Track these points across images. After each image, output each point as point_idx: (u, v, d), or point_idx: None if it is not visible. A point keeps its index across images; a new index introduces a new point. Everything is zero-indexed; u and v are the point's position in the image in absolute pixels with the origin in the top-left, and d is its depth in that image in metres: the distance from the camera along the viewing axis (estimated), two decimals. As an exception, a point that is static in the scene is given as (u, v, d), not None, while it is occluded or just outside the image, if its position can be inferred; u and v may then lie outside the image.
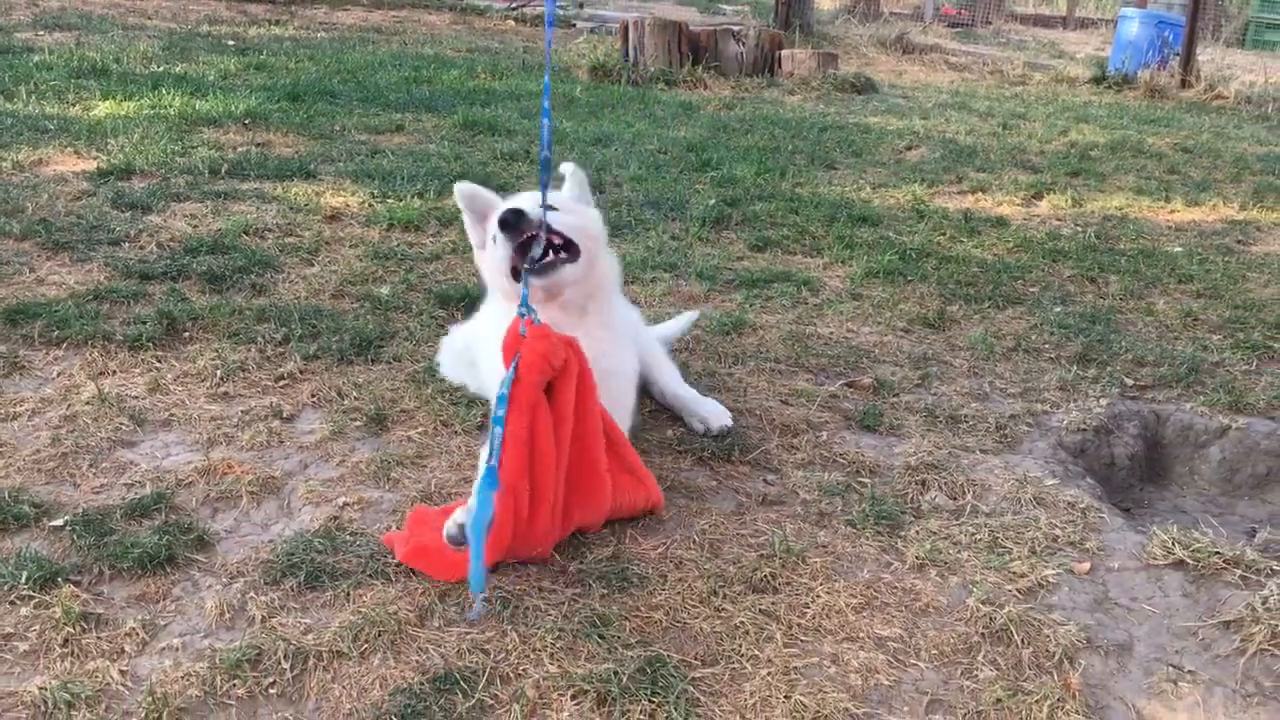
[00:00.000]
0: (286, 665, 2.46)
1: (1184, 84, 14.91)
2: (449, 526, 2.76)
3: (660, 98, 10.71)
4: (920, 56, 16.74)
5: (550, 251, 3.09)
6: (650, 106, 10.10)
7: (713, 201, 6.55)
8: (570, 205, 3.33)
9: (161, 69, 9.77)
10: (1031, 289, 5.51)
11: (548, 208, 3.04)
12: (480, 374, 3.61)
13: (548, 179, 3.01)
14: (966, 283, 5.48)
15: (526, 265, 3.00)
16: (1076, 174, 8.49)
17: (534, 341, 2.78)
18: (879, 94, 12.49)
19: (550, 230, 3.06)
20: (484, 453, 2.87)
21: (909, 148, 9.14)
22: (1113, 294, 5.49)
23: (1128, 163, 9.14)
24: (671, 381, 3.85)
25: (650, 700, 2.41)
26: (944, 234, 6.39)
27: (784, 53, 12.88)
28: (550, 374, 2.79)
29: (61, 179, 6.00)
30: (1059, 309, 5.15)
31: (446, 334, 4.17)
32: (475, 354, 3.68)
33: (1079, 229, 6.77)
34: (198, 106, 8.07)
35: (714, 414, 3.75)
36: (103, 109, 7.83)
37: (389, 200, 6.05)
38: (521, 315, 2.86)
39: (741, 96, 11.34)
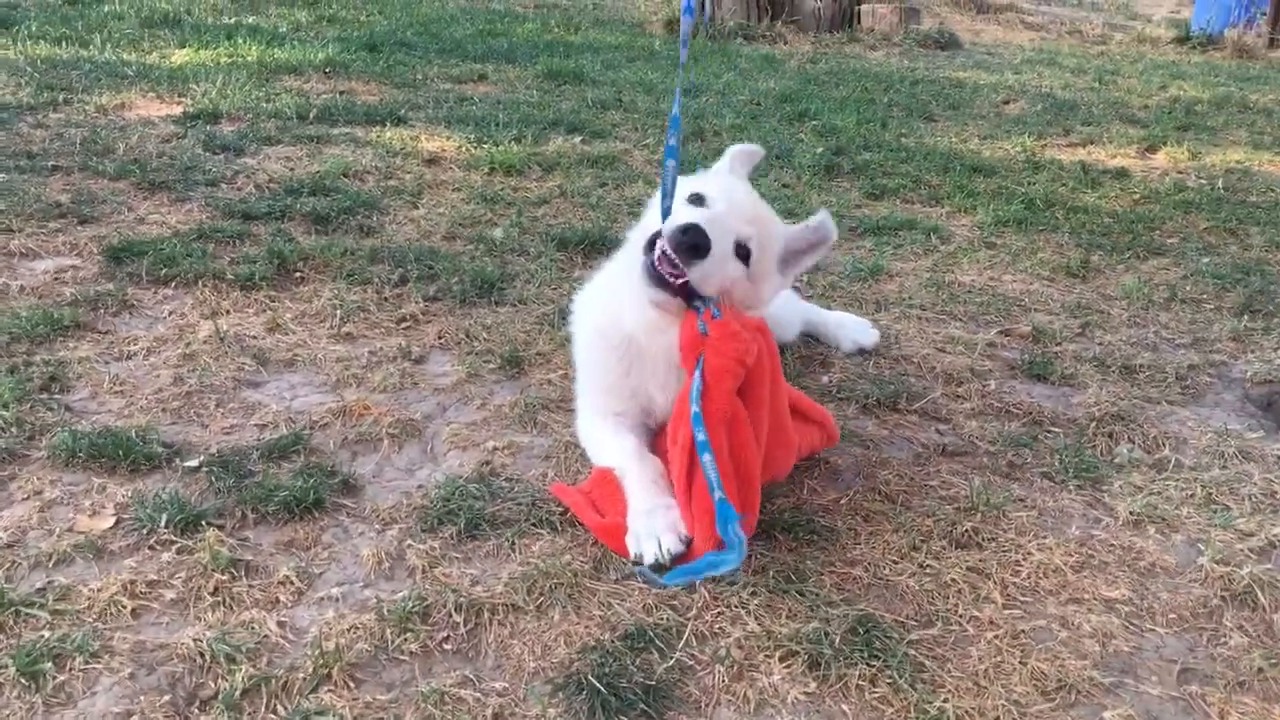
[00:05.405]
0: (459, 619, 2.22)
1: (1272, 43, 14.32)
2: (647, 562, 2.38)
3: (741, 51, 10.35)
4: (995, 16, 16.16)
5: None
6: (732, 59, 9.74)
7: (820, 150, 6.22)
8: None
9: (233, 20, 9.55)
10: (1170, 240, 5.16)
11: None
12: None
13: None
14: (1101, 232, 5.14)
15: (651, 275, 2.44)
16: (1185, 128, 8.07)
17: (722, 344, 2.35)
18: (963, 50, 12.04)
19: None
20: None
21: (1006, 101, 8.74)
22: (1257, 246, 5.13)
23: (1235, 118, 8.69)
24: (803, 310, 3.64)
25: (868, 664, 2.14)
26: (1064, 185, 6.04)
27: (864, 7, 12.45)
28: (743, 376, 2.36)
29: (148, 122, 5.78)
30: (1206, 260, 4.81)
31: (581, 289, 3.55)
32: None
33: (1204, 181, 6.38)
34: (276, 55, 7.83)
35: (861, 329, 3.57)
36: (180, 57, 7.60)
37: (486, 145, 5.77)
38: (697, 309, 2.41)
39: (823, 51, 10.95)
